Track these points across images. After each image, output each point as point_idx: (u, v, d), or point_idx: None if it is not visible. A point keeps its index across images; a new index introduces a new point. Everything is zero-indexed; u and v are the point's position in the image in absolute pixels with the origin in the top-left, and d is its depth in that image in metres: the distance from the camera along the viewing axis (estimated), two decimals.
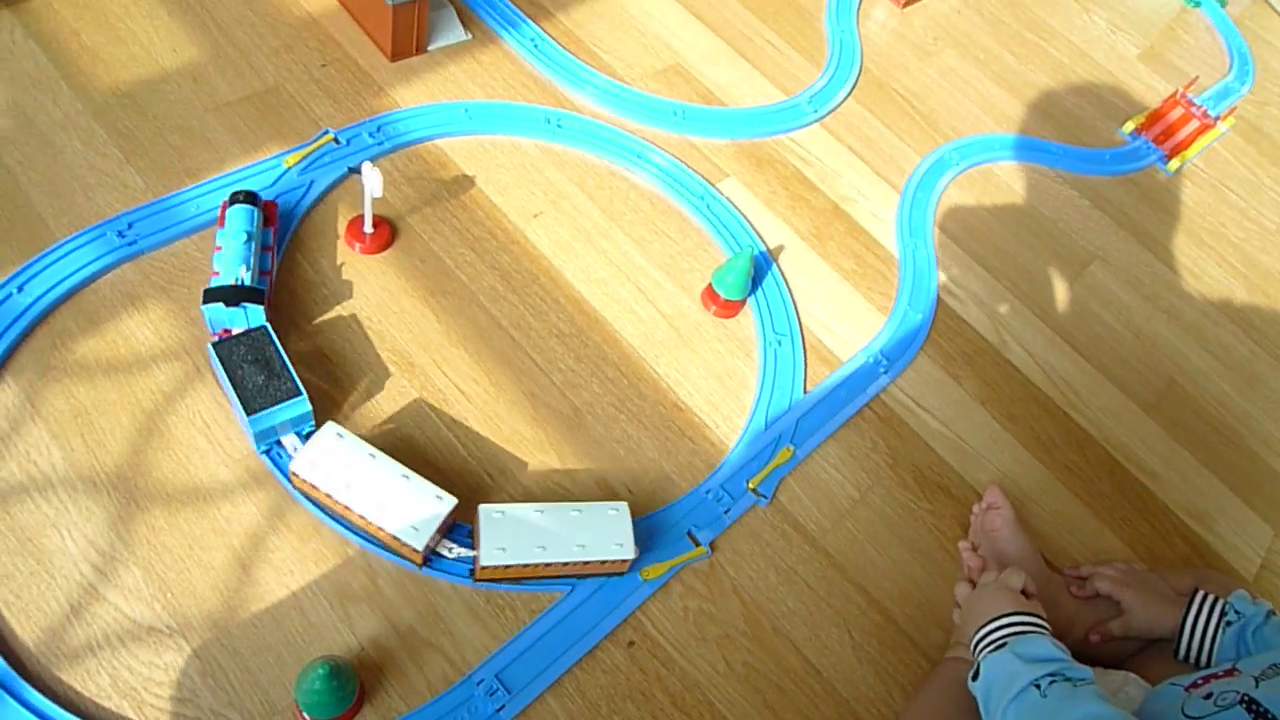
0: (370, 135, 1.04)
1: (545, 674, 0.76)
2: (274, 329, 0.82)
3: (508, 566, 0.77)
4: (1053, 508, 1.02)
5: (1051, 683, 0.69)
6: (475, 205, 1.03)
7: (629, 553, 0.79)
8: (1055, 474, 1.05)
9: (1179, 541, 1.04)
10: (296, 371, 0.79)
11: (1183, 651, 0.87)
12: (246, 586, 0.75)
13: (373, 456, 0.78)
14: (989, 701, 0.71)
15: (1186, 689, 0.73)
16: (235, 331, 0.82)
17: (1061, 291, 1.23)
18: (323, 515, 0.79)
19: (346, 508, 0.76)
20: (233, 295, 0.82)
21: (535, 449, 0.88)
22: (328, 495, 0.76)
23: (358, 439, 0.78)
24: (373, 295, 0.94)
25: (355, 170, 1.00)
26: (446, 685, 0.74)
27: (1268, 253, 1.43)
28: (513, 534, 0.77)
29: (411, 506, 0.76)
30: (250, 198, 0.89)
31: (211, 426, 0.82)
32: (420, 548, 0.75)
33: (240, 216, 0.87)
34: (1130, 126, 1.48)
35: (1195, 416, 1.17)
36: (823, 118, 1.28)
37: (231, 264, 0.84)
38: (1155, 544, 1.03)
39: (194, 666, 0.71)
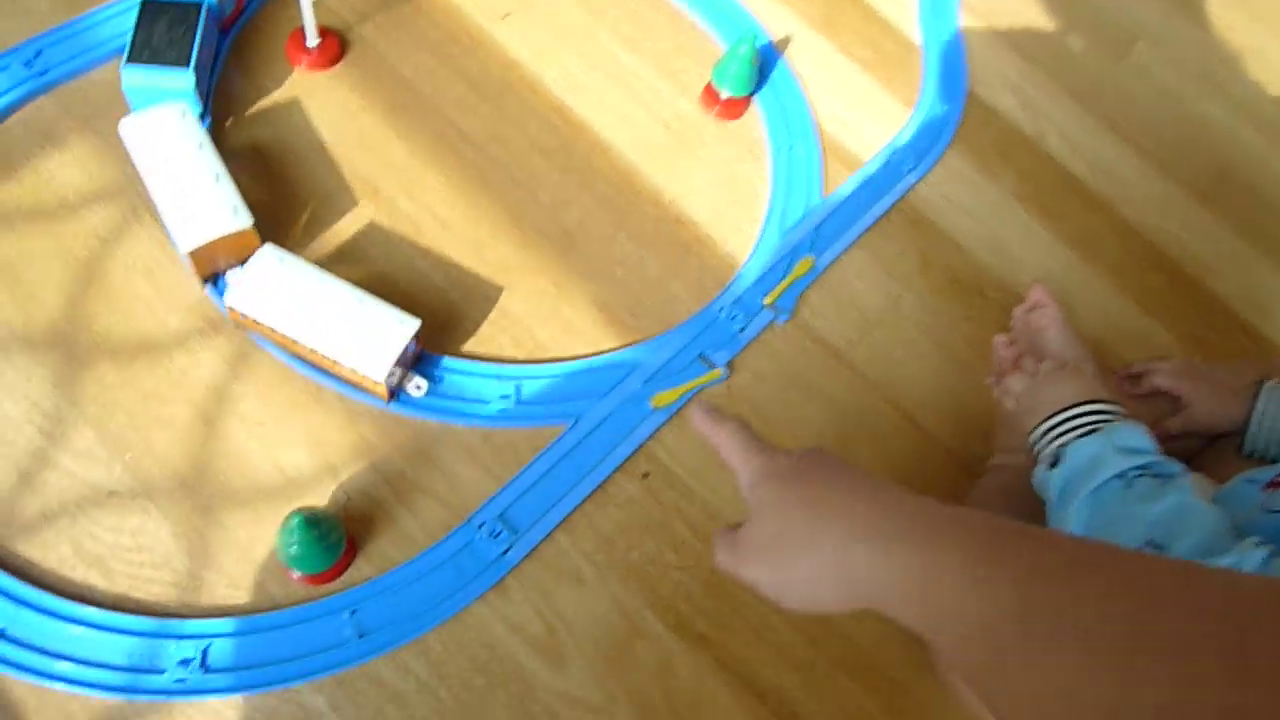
0: None
1: (553, 511, 0.69)
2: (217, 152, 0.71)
3: (257, 322, 0.68)
4: (1100, 308, 0.92)
5: (1139, 476, 0.61)
6: (433, 7, 0.90)
7: (381, 374, 0.67)
8: (1101, 272, 0.95)
9: (1239, 335, 0.95)
10: (246, 202, 0.69)
11: (1249, 445, 0.79)
12: (213, 441, 0.68)
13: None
14: (1065, 491, 0.64)
15: (1265, 487, 0.66)
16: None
17: (1104, 74, 1.09)
18: (279, 353, 0.70)
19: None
20: None
21: (525, 274, 0.79)
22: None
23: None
24: (325, 116, 0.82)
25: None
26: (445, 531, 0.68)
27: None
28: (277, 288, 0.67)
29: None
30: None
31: (155, 271, 0.73)
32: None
33: None
34: None
35: (1253, 203, 1.05)
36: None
37: None
38: (1212, 339, 0.94)
39: (164, 529, 0.65)
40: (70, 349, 0.69)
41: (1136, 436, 0.64)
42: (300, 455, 0.68)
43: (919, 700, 0.71)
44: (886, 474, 0.77)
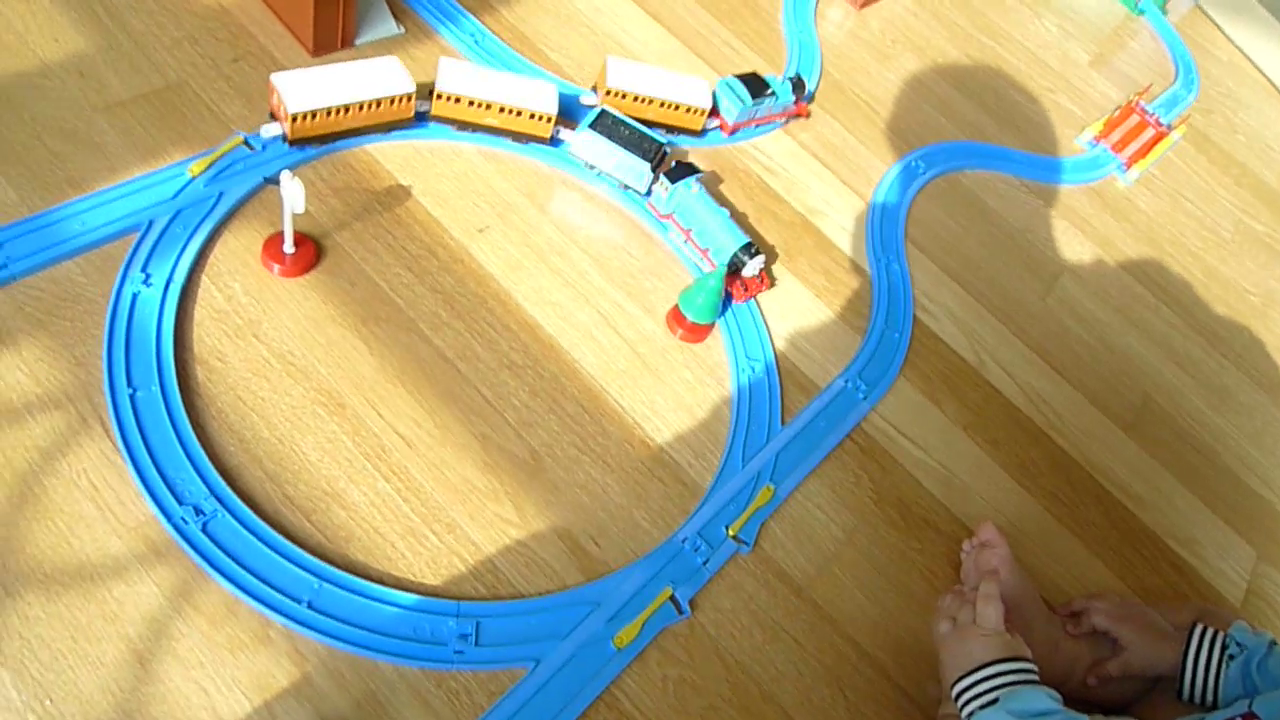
0: None
1: None
2: (175, 365, 0.69)
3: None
4: (1040, 538, 0.96)
5: None
6: (412, 219, 0.92)
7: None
8: (1041, 502, 0.99)
9: (1167, 569, 0.99)
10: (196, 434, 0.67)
11: (1187, 690, 0.81)
12: (145, 685, 0.63)
13: None
14: None
15: None
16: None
17: (1035, 306, 1.18)
18: (226, 584, 0.67)
19: None
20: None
21: (489, 499, 0.78)
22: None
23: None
24: (295, 325, 0.81)
25: (272, 180, 0.86)
26: None
27: (1225, 262, 1.41)
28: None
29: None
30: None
31: (101, 489, 0.69)
32: None
33: None
34: (1089, 134, 1.45)
35: (1172, 434, 1.13)
36: (785, 123, 1.20)
37: None
38: (1144, 572, 0.98)
39: None
40: None
41: (1035, 698, 0.66)
42: (241, 701, 0.64)
43: None
44: (845, 719, 0.77)
